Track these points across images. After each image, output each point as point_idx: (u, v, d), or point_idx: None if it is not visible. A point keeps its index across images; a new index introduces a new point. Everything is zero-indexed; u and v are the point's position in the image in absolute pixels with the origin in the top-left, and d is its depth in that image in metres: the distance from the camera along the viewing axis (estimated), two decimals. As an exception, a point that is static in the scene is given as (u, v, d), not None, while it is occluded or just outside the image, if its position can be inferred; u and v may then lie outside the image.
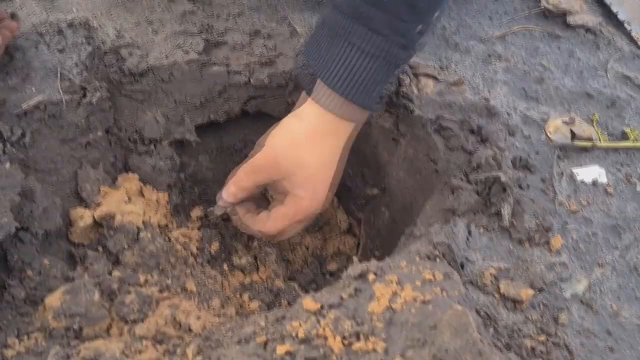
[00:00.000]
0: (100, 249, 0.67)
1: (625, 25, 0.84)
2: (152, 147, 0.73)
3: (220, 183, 0.74)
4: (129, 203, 0.69)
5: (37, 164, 0.67)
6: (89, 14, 0.76)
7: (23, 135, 0.65)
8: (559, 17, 0.82)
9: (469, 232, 0.64)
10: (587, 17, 0.83)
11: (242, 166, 0.69)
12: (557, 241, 0.62)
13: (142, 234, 0.65)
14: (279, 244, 0.83)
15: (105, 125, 0.70)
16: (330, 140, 0.65)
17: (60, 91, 0.67)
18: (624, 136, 0.74)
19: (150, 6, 0.79)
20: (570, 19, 0.82)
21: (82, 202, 0.70)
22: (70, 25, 0.74)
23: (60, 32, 0.73)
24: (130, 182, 0.71)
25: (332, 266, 0.83)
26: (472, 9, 0.82)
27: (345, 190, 0.84)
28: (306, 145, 0.65)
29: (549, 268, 0.61)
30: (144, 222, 0.68)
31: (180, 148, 0.77)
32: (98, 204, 0.68)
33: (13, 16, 0.72)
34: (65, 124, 0.67)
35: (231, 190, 0.70)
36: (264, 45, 0.75)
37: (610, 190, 0.68)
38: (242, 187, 0.69)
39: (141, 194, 0.71)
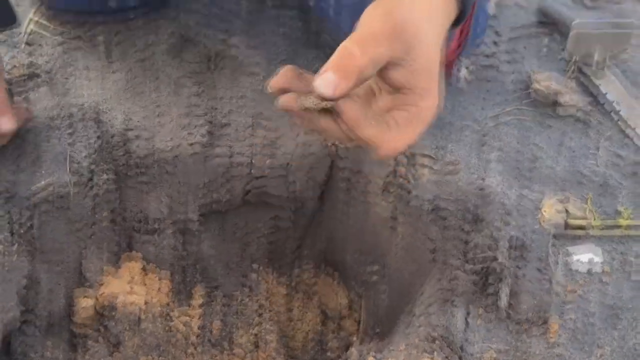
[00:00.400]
0: (101, 329, 0.67)
1: (615, 105, 0.87)
2: (156, 227, 0.74)
3: (222, 263, 0.75)
4: (131, 283, 0.70)
5: (43, 247, 0.68)
6: (99, 98, 0.79)
7: (31, 219, 0.67)
8: (550, 99, 0.85)
9: (468, 315, 0.65)
10: (577, 98, 0.86)
11: (346, 42, 0.46)
12: (554, 325, 0.63)
13: (143, 317, 0.66)
14: (280, 322, 0.83)
15: (110, 207, 0.73)
16: (442, 19, 0.50)
17: (69, 176, 0.70)
18: (618, 216, 0.75)
19: (158, 89, 0.83)
20: (561, 100, 0.85)
21: (86, 281, 0.71)
22: (81, 109, 0.77)
23: (70, 116, 0.76)
24: (133, 262, 0.72)
25: (333, 344, 0.83)
26: (465, 96, 0.85)
27: (346, 268, 0.85)
28: (427, 15, 0.48)
29: (547, 353, 0.61)
30: (146, 303, 0.69)
31: (183, 229, 0.78)
32: (101, 284, 0.70)
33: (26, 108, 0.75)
34: (72, 208, 0.69)
35: (337, 74, 0.45)
36: (265, 129, 0.78)
37: (606, 271, 0.69)
38: (355, 68, 0.45)
39: (144, 273, 0.73)
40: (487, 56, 0.90)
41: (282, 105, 0.49)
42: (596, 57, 0.90)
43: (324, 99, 0.45)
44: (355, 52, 0.45)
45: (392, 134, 0.48)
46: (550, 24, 0.97)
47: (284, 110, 0.49)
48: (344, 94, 0.45)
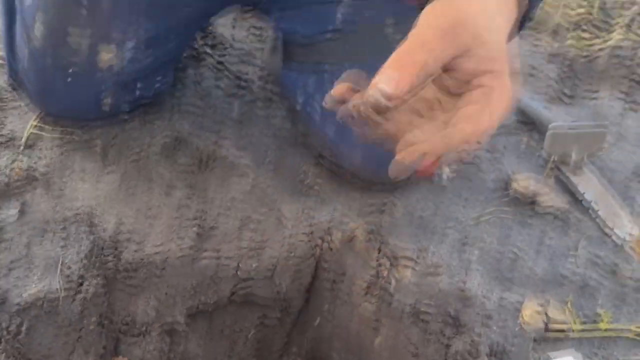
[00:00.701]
0: None
1: (593, 205, 0.89)
2: (143, 330, 0.76)
3: (208, 365, 0.76)
4: (117, 388, 0.71)
5: (30, 352, 0.70)
6: (93, 202, 0.82)
7: (20, 326, 0.69)
8: (529, 201, 0.88)
9: None
10: (556, 197, 0.89)
11: (402, 46, 0.45)
12: None
13: None
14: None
15: (99, 311, 0.74)
16: (503, 12, 0.49)
17: (60, 282, 0.72)
18: (598, 318, 0.76)
19: (150, 191, 0.86)
20: (540, 201, 0.88)
21: (73, 386, 0.72)
22: (75, 213, 0.80)
23: (64, 220, 0.79)
24: (120, 366, 0.73)
25: None
26: (447, 194, 0.88)
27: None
28: (485, 7, 0.48)
29: None
30: (130, 410, 0.69)
31: (170, 331, 0.79)
32: (87, 389, 0.70)
33: None
34: (61, 314, 0.71)
35: (398, 70, 0.43)
36: (252, 231, 0.81)
37: (587, 377, 0.70)
38: (416, 63, 0.43)
39: (130, 377, 0.73)
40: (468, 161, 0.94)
41: (342, 113, 0.47)
42: (573, 156, 0.93)
43: (386, 97, 0.42)
44: (414, 47, 0.44)
45: (484, 118, 0.45)
46: (529, 123, 1.01)
47: (345, 116, 0.47)
48: (406, 91, 0.43)
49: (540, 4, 0.53)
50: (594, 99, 1.13)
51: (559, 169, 0.94)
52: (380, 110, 0.43)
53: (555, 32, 1.26)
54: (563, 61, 1.18)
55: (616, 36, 1.27)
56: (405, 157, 0.46)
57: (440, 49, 0.45)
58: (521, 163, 0.95)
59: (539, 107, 1.02)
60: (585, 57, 1.21)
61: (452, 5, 0.46)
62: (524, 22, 0.53)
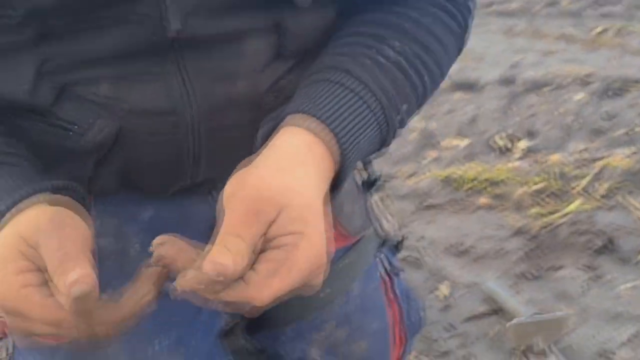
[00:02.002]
0: None
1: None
2: None
3: None
4: None
5: None
6: None
7: None
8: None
9: None
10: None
11: (221, 234, 0.45)
12: None
13: None
14: None
15: None
16: (313, 167, 0.50)
17: None
18: None
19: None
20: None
21: None
22: None
23: None
24: None
25: None
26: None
27: None
28: (292, 168, 0.49)
29: None
30: None
31: None
32: None
33: None
34: None
35: (225, 264, 0.43)
36: None
37: None
38: (245, 248, 0.44)
39: None
40: (442, 354, 1.02)
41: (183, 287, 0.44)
42: (539, 345, 1.02)
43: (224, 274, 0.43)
44: (242, 234, 0.44)
45: (260, 281, 0.44)
46: (497, 310, 1.11)
47: (188, 291, 0.44)
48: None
49: (351, 159, 0.52)
50: (558, 270, 1.22)
51: (526, 357, 1.02)
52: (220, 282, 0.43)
53: (518, 206, 1.39)
54: (527, 236, 1.30)
55: (576, 202, 1.39)
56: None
57: (265, 216, 0.45)
58: (492, 353, 1.03)
59: (505, 294, 1.12)
60: (547, 227, 1.32)
61: (252, 184, 0.47)
62: (340, 179, 0.52)
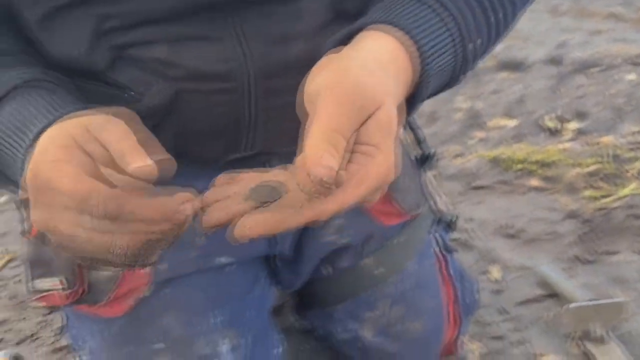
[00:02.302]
0: None
1: (620, 381, 0.92)
2: None
3: None
4: None
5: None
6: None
7: None
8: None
9: None
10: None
11: (317, 125, 0.42)
12: None
13: None
14: None
15: None
16: (396, 77, 0.47)
17: None
18: None
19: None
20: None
21: None
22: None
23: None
24: None
25: None
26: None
27: None
28: (384, 71, 0.46)
29: None
30: None
31: None
32: None
33: None
34: None
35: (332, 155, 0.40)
36: None
37: None
38: (342, 144, 0.41)
39: None
40: (495, 338, 0.99)
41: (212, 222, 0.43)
42: (596, 331, 0.97)
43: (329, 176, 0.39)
44: (342, 123, 0.42)
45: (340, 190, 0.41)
46: (552, 295, 1.06)
47: (215, 226, 0.43)
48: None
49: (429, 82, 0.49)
50: (613, 255, 1.17)
51: (583, 343, 0.98)
52: (325, 188, 0.40)
53: (570, 188, 1.34)
54: (580, 219, 1.24)
55: (630, 186, 1.33)
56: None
57: (353, 127, 0.43)
58: (546, 338, 1.00)
59: (559, 278, 1.08)
60: (601, 210, 1.27)
61: (344, 75, 0.44)
62: (417, 97, 0.50)
